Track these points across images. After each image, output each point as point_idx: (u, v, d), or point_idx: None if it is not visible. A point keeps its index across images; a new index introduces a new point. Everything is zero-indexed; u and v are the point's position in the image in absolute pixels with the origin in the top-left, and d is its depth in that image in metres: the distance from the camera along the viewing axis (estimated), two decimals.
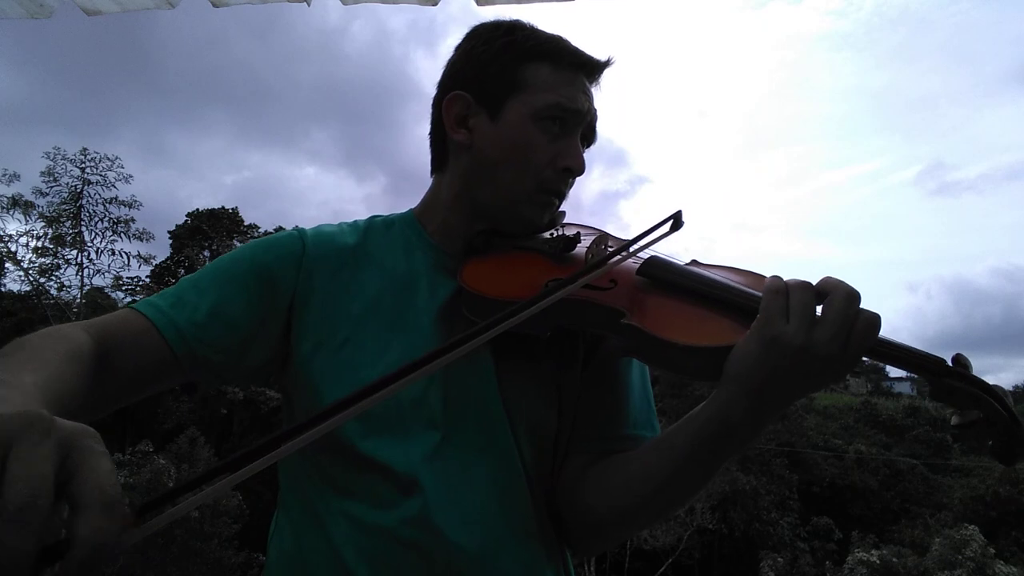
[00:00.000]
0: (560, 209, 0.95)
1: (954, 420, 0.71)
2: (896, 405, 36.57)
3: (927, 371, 0.69)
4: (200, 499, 0.45)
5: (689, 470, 0.75)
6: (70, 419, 0.43)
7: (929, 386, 0.70)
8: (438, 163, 0.96)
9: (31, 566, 0.37)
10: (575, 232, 0.93)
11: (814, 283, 0.69)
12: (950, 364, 0.69)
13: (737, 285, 0.78)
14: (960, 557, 16.62)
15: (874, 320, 0.66)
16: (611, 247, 0.91)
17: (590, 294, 0.80)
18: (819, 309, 0.68)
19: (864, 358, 0.69)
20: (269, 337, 0.86)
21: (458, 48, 0.95)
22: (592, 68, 0.92)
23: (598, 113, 0.93)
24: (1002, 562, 16.83)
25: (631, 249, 0.83)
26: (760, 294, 0.71)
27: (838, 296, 0.67)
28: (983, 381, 0.68)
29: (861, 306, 0.67)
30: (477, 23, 0.96)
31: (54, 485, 0.38)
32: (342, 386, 0.82)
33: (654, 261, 0.84)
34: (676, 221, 0.84)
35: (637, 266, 0.84)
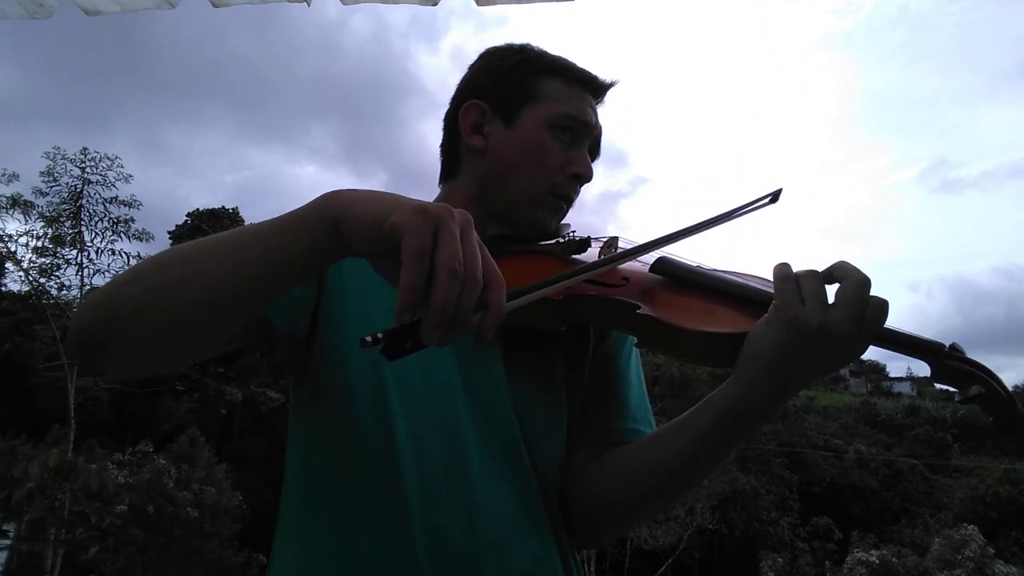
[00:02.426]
0: (564, 221, 1.00)
1: (958, 397, 0.76)
2: (896, 405, 36.62)
3: (930, 354, 0.75)
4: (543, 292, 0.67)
5: (708, 451, 0.79)
6: None
7: (931, 369, 0.76)
8: (450, 171, 1.01)
9: (472, 313, 0.55)
10: (586, 237, 0.97)
11: (821, 269, 0.74)
12: (947, 350, 0.75)
13: (743, 280, 0.83)
14: (960, 557, 16.64)
15: (883, 304, 0.72)
16: (622, 250, 0.94)
17: (604, 290, 0.83)
18: (830, 293, 0.73)
19: (874, 344, 0.75)
20: (311, 307, 0.86)
21: (472, 66, 1.02)
22: (598, 87, 0.98)
23: (603, 129, 1.00)
24: (1002, 562, 16.86)
25: (727, 219, 0.88)
26: (765, 289, 0.76)
27: (852, 280, 0.72)
28: (980, 363, 0.75)
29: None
30: (488, 47, 1.03)
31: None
32: (364, 357, 0.81)
33: (665, 260, 0.88)
34: (775, 196, 0.91)
35: (648, 266, 0.89)
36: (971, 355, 0.76)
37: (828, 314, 0.70)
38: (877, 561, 17.68)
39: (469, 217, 0.57)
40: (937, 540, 18.18)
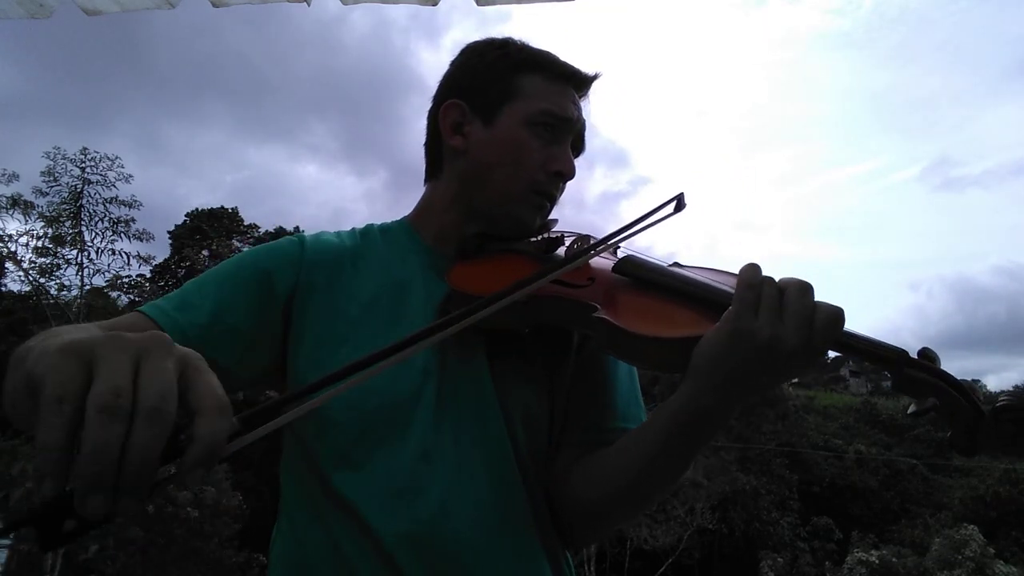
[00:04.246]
0: (552, 216, 0.98)
1: (911, 408, 0.72)
2: (896, 405, 36.53)
3: (888, 362, 0.70)
4: (296, 414, 0.52)
5: (664, 458, 0.77)
6: None
7: (891, 378, 0.71)
8: (433, 170, 1.01)
9: (158, 460, 0.42)
10: (560, 234, 0.96)
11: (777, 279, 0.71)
12: (915, 357, 0.70)
13: (709, 281, 0.80)
14: (960, 557, 16.63)
15: (836, 312, 0.68)
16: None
17: (564, 290, 0.82)
18: None
19: (832, 349, 0.70)
20: (272, 340, 0.87)
21: (453, 63, 1.00)
22: (581, 81, 0.97)
23: (586, 123, 0.98)
24: (1002, 562, 16.85)
25: (629, 233, 0.84)
26: (729, 290, 0.73)
27: (791, 290, 0.69)
28: (945, 372, 0.69)
29: (818, 298, 0.69)
30: (472, 40, 1.02)
31: (176, 394, 0.44)
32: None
33: (630, 260, 0.86)
34: (679, 203, 0.86)
35: (612, 265, 0.87)
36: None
37: (777, 328, 0.67)
38: (877, 561, 17.68)
39: (160, 340, 0.46)
40: (937, 540, 18.17)
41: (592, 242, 0.92)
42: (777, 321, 0.68)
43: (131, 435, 0.41)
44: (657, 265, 0.86)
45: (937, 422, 0.70)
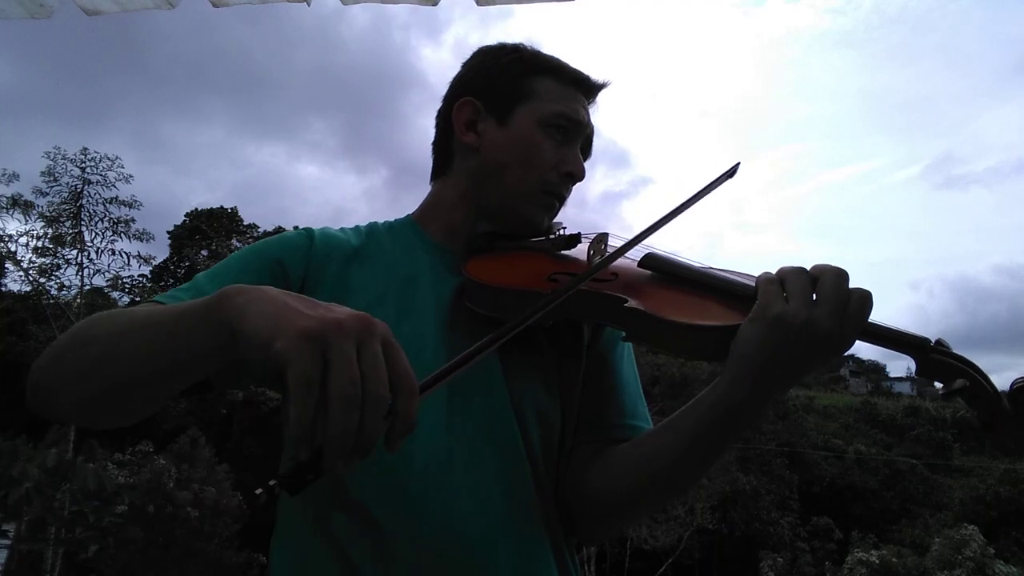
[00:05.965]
0: (556, 219, 1.00)
1: (941, 391, 0.76)
2: (896, 405, 36.60)
3: (914, 348, 0.75)
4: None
5: (697, 450, 0.79)
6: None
7: (916, 363, 0.75)
8: (442, 168, 1.02)
9: (378, 435, 0.52)
10: (576, 232, 0.97)
11: (807, 268, 0.75)
12: (933, 345, 0.75)
13: (732, 276, 0.83)
14: (960, 557, 16.62)
15: (867, 295, 0.72)
16: (611, 246, 0.94)
17: (591, 285, 0.83)
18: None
19: (859, 339, 0.74)
20: None
21: (465, 64, 1.03)
22: (591, 87, 1.00)
23: (595, 129, 1.01)
24: (1002, 562, 16.84)
25: (688, 205, 0.87)
26: (752, 284, 0.76)
27: (829, 275, 0.72)
28: (965, 357, 0.74)
29: (852, 285, 0.72)
30: (483, 44, 1.04)
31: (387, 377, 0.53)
32: None
33: (652, 255, 0.88)
34: (733, 171, 0.91)
35: (637, 261, 0.89)
36: (973, 355, 0.75)
37: (812, 311, 0.70)
38: (877, 561, 17.68)
39: (369, 323, 0.54)
40: (937, 540, 18.16)
41: (609, 241, 0.93)
42: (811, 306, 0.71)
43: (363, 419, 0.51)
44: (680, 260, 0.88)
45: (963, 401, 0.75)
